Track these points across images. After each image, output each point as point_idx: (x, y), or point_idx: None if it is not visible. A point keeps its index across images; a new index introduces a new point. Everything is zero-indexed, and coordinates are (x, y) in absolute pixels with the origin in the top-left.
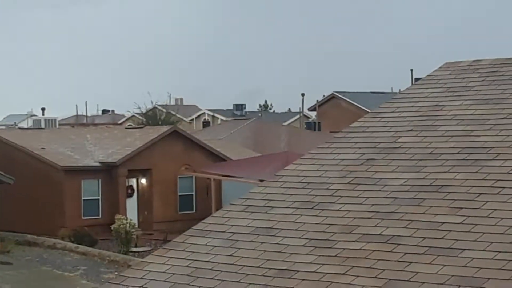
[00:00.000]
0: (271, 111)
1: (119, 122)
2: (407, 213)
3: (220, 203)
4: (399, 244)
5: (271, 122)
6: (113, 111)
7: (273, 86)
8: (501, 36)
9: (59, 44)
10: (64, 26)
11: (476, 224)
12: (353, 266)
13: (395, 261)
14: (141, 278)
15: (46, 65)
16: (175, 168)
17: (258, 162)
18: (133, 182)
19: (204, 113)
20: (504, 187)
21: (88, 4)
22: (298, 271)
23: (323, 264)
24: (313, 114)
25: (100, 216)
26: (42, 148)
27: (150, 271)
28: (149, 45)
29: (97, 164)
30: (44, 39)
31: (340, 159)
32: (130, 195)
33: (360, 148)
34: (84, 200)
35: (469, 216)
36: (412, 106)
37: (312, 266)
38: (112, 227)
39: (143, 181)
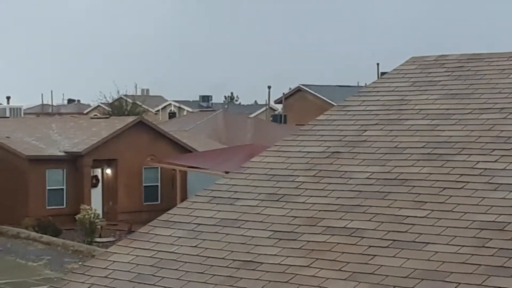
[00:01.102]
0: (237, 103)
1: (85, 112)
2: (371, 206)
3: (185, 194)
4: (363, 237)
5: (238, 114)
6: (78, 100)
7: (240, 78)
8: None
9: (26, 33)
10: (30, 14)
11: (440, 218)
12: (317, 259)
13: (359, 254)
14: (105, 268)
15: (12, 54)
16: (140, 159)
17: (223, 154)
18: (98, 172)
19: (170, 104)
20: (468, 182)
21: None
22: (262, 263)
23: (287, 256)
24: (279, 107)
25: (64, 206)
26: (7, 137)
27: (114, 261)
28: (116, 35)
29: (62, 153)
30: (10, 27)
31: (306, 151)
32: (95, 185)
33: (326, 141)
34: (48, 189)
35: (433, 210)
36: (378, 100)
37: (277, 258)
38: (76, 217)
39: (108, 171)
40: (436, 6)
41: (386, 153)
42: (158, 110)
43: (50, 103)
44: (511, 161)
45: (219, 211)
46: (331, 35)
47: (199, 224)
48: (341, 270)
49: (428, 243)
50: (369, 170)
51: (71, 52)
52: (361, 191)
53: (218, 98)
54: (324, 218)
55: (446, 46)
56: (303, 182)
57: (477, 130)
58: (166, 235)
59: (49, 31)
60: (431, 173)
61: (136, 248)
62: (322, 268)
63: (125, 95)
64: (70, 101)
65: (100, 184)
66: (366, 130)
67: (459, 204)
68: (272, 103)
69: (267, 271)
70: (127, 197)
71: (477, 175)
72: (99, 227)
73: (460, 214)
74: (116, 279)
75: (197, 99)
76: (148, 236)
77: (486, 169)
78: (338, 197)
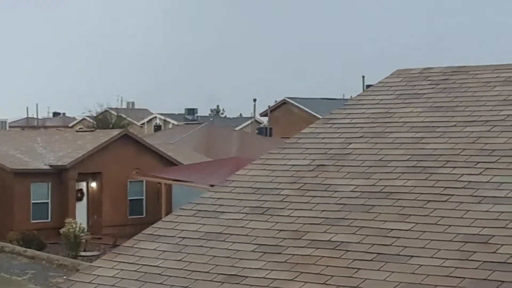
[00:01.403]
0: (223, 116)
1: (70, 125)
2: (356, 219)
3: (170, 207)
4: (348, 251)
5: (223, 127)
6: (64, 114)
7: (225, 91)
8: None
9: (9, 44)
10: (14, 26)
11: (425, 231)
12: (301, 272)
13: (343, 267)
14: (89, 282)
15: None
16: (125, 172)
17: (209, 167)
18: (83, 185)
19: (155, 117)
20: (452, 195)
21: (40, 3)
22: (247, 276)
23: (272, 270)
24: (264, 120)
25: (49, 220)
26: None
27: (98, 275)
28: (101, 48)
29: (47, 167)
30: None
31: (291, 164)
32: (80, 199)
33: (311, 154)
34: (33, 203)
35: (417, 223)
36: (363, 113)
37: (261, 271)
38: (61, 231)
39: (93, 184)
40: (424, 18)
41: (371, 166)
42: (143, 123)
43: (35, 116)
44: (496, 174)
45: (204, 224)
46: (317, 47)
47: (184, 237)
48: (325, 284)
49: (412, 256)
50: (354, 183)
51: (56, 65)
52: (346, 204)
53: (203, 111)
54: (309, 232)
55: (432, 58)
56: (288, 195)
57: (462, 143)
58: (150, 249)
59: (33, 44)
60: (415, 186)
61: (120, 262)
62: (306, 282)
63: (110, 108)
64: (55, 114)
65: (85, 198)
66: (351, 143)
67: (443, 217)
68: (257, 116)
69: (252, 285)
70: (112, 211)
71: (461, 188)
72: (83, 241)
73: (444, 227)
74: None
75: (183, 112)
76: (132, 250)
77: (470, 182)
78: (323, 210)
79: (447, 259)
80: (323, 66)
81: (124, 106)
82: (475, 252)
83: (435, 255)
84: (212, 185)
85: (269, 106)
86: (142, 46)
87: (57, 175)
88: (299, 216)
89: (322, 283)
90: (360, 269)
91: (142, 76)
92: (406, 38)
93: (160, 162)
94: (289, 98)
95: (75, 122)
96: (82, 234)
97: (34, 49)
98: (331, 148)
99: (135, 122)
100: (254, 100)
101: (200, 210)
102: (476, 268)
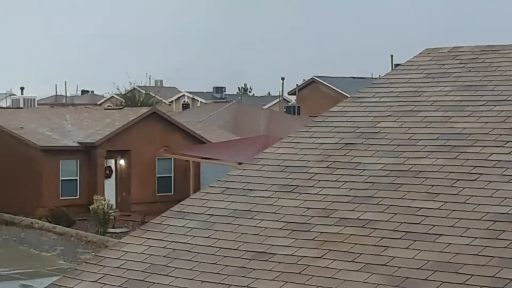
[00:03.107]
0: (251, 94)
1: (99, 102)
2: (384, 197)
3: (198, 185)
4: (376, 229)
5: (251, 105)
6: (92, 91)
7: (254, 70)
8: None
9: (40, 23)
10: (44, 4)
11: (453, 210)
12: (330, 250)
13: (372, 245)
14: (118, 258)
15: (26, 44)
16: (154, 150)
17: (237, 145)
18: (111, 163)
19: (183, 95)
20: (481, 174)
21: None
22: (275, 254)
23: (300, 248)
24: (292, 98)
25: (78, 197)
26: (21, 128)
27: (127, 252)
28: (130, 26)
29: (76, 144)
30: (25, 17)
31: (319, 143)
32: (109, 176)
33: (339, 132)
34: (62, 180)
35: (446, 202)
36: (391, 92)
37: (289, 249)
38: (90, 207)
39: (122, 162)
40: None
41: (399, 145)
42: (171, 101)
43: (64, 94)
44: None
45: (232, 202)
46: (346, 26)
47: (212, 215)
48: (354, 262)
49: (441, 235)
50: (382, 161)
51: (85, 42)
52: (374, 182)
53: (231, 89)
54: (337, 210)
55: (461, 37)
56: (316, 173)
57: (491, 122)
58: (179, 226)
59: (63, 21)
60: (444, 165)
61: (149, 238)
62: (335, 259)
63: (139, 86)
64: (84, 92)
65: (113, 175)
66: (379, 122)
67: (472, 196)
68: (285, 94)
69: (280, 262)
70: (140, 188)
71: (490, 167)
72: (112, 217)
73: (473, 206)
74: (129, 269)
75: (211, 90)
76: (161, 227)
77: (499, 161)
78: (351, 189)
79: (476, 238)
80: (352, 45)
81: (153, 84)
82: (504, 231)
83: (464, 234)
84: (240, 163)
85: (297, 84)
86: (171, 25)
87: (85, 153)
88: (327, 194)
89: (350, 261)
90: (388, 247)
91: (170, 55)
92: (436, 17)
93: (188, 140)
94: (317, 76)
95: (103, 100)
96: (110, 211)
97: (64, 27)
98: (360, 127)
99: (163, 100)
100: (282, 78)
101: (228, 188)
102: (505, 247)
